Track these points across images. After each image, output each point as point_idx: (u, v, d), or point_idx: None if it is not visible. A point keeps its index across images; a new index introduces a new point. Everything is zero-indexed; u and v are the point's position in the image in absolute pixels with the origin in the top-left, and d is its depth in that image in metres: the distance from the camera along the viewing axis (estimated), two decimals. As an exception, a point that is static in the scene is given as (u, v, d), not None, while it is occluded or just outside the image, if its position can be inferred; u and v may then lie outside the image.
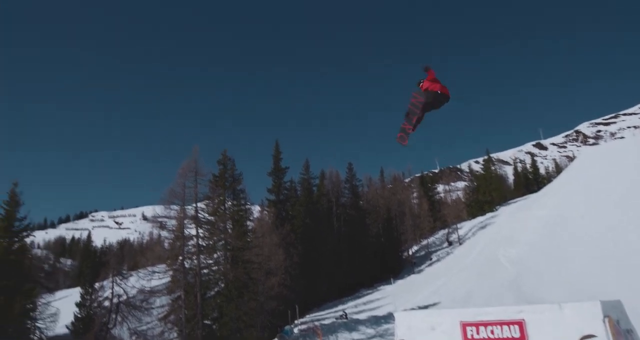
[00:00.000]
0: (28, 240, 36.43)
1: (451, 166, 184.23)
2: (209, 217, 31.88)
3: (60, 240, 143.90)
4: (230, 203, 34.51)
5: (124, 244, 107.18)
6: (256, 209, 49.66)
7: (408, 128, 8.28)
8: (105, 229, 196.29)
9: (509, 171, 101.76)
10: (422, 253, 58.54)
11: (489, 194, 67.62)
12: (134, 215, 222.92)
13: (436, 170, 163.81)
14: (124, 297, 40.13)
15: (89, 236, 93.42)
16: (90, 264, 64.20)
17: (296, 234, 42.21)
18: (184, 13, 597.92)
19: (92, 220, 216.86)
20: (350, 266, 47.68)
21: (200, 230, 30.20)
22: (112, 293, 44.47)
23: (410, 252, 59.88)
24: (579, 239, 25.98)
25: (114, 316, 38.70)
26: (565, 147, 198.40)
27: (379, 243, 55.48)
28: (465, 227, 59.97)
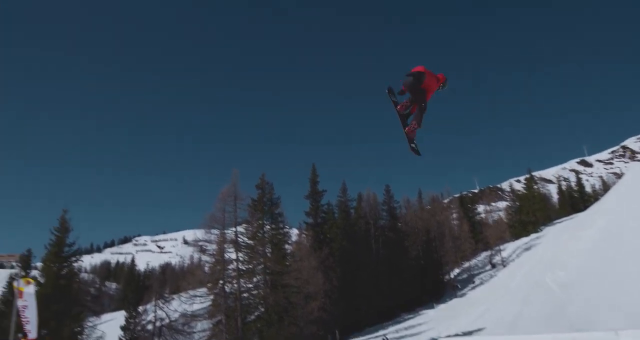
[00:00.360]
0: (76, 264, 37.76)
1: (491, 186, 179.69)
2: (249, 241, 32.21)
3: (106, 264, 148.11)
4: (268, 227, 34.79)
5: (166, 267, 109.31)
6: (294, 232, 49.83)
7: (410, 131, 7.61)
8: (148, 253, 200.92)
9: (552, 190, 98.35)
10: (465, 276, 56.87)
11: (533, 214, 65.38)
12: (176, 240, 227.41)
13: (475, 190, 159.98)
14: (167, 320, 40.70)
15: (132, 260, 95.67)
16: (134, 288, 65.64)
17: (334, 257, 41.92)
18: (224, 36, 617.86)
19: (135, 245, 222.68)
20: (389, 289, 46.78)
21: (240, 254, 30.54)
22: (155, 317, 45.16)
23: (452, 275, 58.29)
24: (634, 259, 24.67)
25: (156, 340, 39.20)
26: (611, 163, 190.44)
27: (418, 265, 54.34)
28: (508, 248, 58.00)
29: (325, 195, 47.87)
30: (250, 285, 31.11)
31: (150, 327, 44.98)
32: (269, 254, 32.64)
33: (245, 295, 30.37)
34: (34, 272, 36.81)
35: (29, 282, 13.63)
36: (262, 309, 30.95)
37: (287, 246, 36.70)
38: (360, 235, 49.82)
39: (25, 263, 41.15)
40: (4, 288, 44.81)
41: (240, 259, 30.40)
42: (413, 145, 7.63)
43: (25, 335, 13.20)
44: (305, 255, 37.34)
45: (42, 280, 30.60)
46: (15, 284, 14.63)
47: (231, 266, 31.00)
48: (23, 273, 37.43)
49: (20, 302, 13.21)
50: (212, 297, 31.76)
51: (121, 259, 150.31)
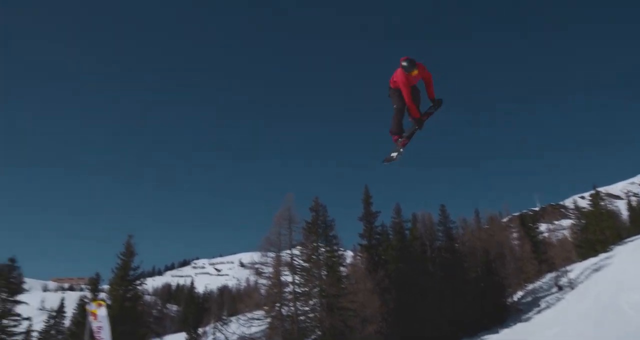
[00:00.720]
0: (140, 287, 39.40)
1: (553, 203, 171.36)
2: (304, 264, 32.43)
3: (166, 287, 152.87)
4: (323, 249, 34.91)
5: (224, 290, 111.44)
6: (348, 254, 49.60)
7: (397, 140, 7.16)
8: (206, 276, 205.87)
9: (621, 206, 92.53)
10: (529, 299, 54.10)
11: (601, 232, 61.55)
12: (232, 262, 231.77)
13: (536, 208, 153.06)
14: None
15: (192, 283, 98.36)
16: (193, 310, 67.36)
17: (390, 279, 41.30)
18: (272, 52, 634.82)
19: (194, 267, 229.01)
20: (448, 313, 45.31)
21: (295, 277, 30.76)
22: (214, 338, 46.00)
23: (515, 298, 55.63)
24: None
25: (216, 362, 39.92)
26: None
27: (478, 288, 52.31)
28: (576, 269, 54.76)
29: (379, 217, 47.58)
30: (307, 308, 31.17)
31: (209, 349, 45.92)
32: (324, 277, 32.67)
33: (302, 318, 30.44)
34: (102, 295, 38.71)
35: (100, 305, 14.44)
36: (319, 332, 30.85)
37: (342, 268, 36.59)
38: (416, 256, 48.88)
39: (94, 286, 43.39)
40: (75, 310, 47.30)
41: (296, 281, 30.62)
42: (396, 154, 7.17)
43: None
44: (361, 278, 37.04)
45: (109, 302, 32.12)
46: (87, 306, 15.54)
47: (287, 289, 31.26)
48: (92, 295, 39.47)
49: (94, 324, 14.01)
50: (269, 319, 32.04)
51: (181, 281, 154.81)
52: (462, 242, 57.48)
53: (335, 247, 35.64)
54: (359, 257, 47.66)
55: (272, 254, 31.77)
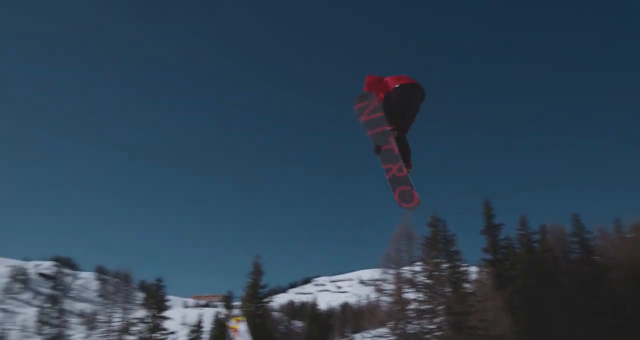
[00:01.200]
0: (268, 304, 41.66)
1: None
2: (426, 281, 31.86)
3: (290, 304, 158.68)
4: (445, 265, 33.99)
5: (345, 307, 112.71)
6: (472, 270, 47.62)
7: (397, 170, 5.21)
8: (327, 293, 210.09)
9: None
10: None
11: None
12: (351, 279, 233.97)
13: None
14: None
15: (314, 300, 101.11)
16: (318, 327, 69.04)
17: (520, 295, 38.73)
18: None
19: (315, 285, 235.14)
20: (587, 331, 41.05)
21: (418, 294, 30.32)
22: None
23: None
24: None
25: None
26: None
27: (626, 304, 46.70)
28: None
29: (503, 229, 45.13)
30: (433, 326, 30.45)
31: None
32: (448, 294, 31.72)
33: (428, 336, 29.79)
34: (235, 311, 41.59)
35: (240, 321, 15.72)
36: (447, 352, 29.93)
37: (466, 285, 35.23)
38: (547, 270, 45.33)
39: (228, 303, 46.76)
40: (212, 325, 51.22)
41: (419, 298, 30.14)
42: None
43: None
44: (488, 294, 35.26)
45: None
46: (228, 323, 17.00)
47: (410, 306, 30.89)
48: (227, 312, 42.60)
49: (237, 338, 15.26)
50: (394, 337, 31.85)
51: (304, 298, 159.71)
52: (601, 254, 52.08)
53: (458, 263, 34.47)
54: (484, 273, 45.45)
55: (392, 271, 31.73)
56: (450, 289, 32.22)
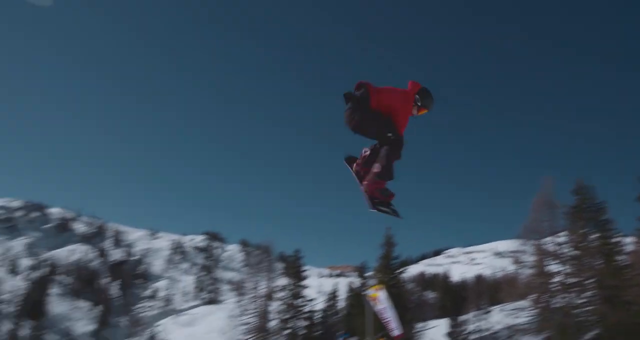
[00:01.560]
0: (401, 275, 42.19)
1: None
2: (572, 252, 29.51)
3: (421, 275, 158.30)
4: (594, 236, 30.98)
5: (480, 279, 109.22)
6: (627, 241, 42.80)
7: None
8: (458, 265, 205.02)
9: None
10: None
11: None
12: (485, 251, 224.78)
13: None
14: (487, 332, 40.86)
15: (446, 272, 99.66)
16: (451, 298, 68.26)
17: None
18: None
19: (447, 257, 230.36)
20: None
21: (563, 267, 28.29)
22: (477, 327, 45.86)
23: None
24: None
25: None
26: None
27: None
28: None
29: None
30: (582, 301, 28.19)
31: (472, 337, 45.92)
32: (599, 266, 28.99)
33: (576, 311, 27.72)
34: (370, 281, 42.89)
35: (379, 289, 16.26)
36: (601, 329, 27.55)
37: (620, 257, 31.77)
38: None
39: (361, 273, 48.36)
40: (348, 293, 53.49)
41: (565, 271, 28.04)
42: (383, 207, 5.49)
43: (383, 335, 15.78)
44: (647, 267, 31.52)
45: (377, 288, 35.52)
46: (366, 292, 17.68)
47: (554, 279, 28.98)
48: (361, 282, 44.12)
49: (377, 306, 15.87)
50: (537, 311, 30.25)
51: (434, 269, 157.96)
52: None
53: (610, 233, 31.14)
54: (640, 244, 40.63)
55: (532, 242, 29.92)
56: (601, 261, 29.37)
